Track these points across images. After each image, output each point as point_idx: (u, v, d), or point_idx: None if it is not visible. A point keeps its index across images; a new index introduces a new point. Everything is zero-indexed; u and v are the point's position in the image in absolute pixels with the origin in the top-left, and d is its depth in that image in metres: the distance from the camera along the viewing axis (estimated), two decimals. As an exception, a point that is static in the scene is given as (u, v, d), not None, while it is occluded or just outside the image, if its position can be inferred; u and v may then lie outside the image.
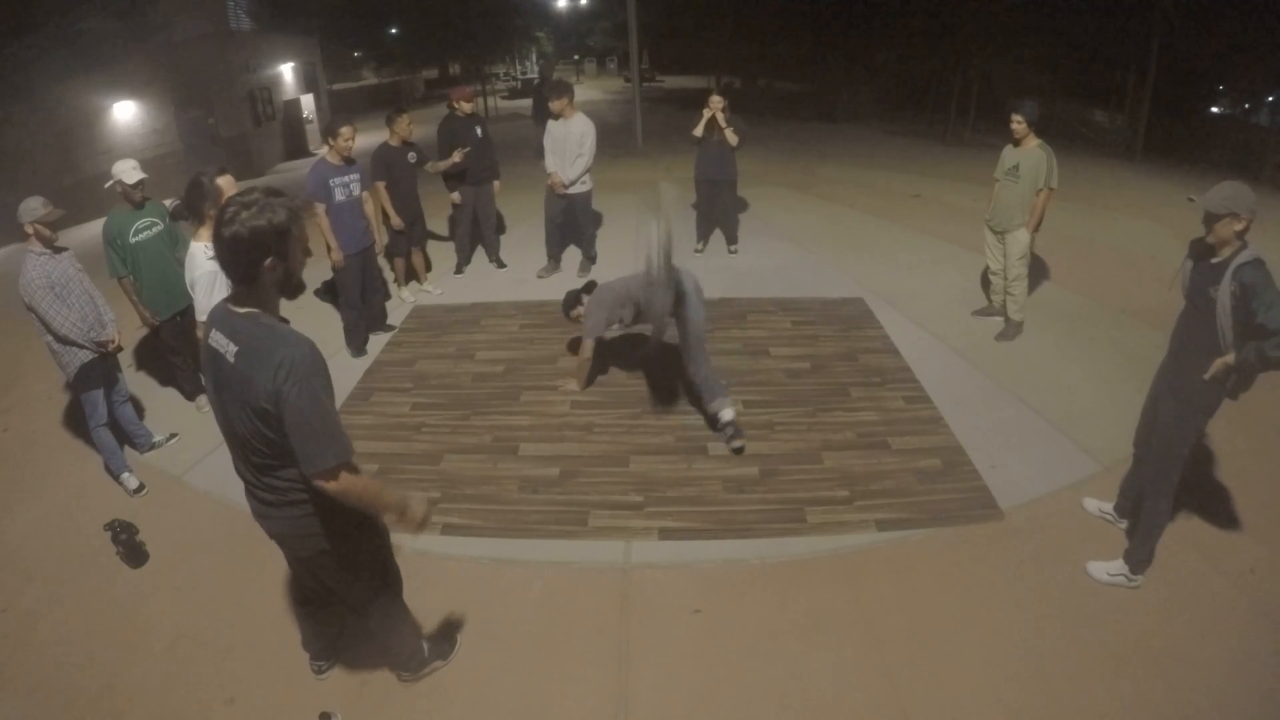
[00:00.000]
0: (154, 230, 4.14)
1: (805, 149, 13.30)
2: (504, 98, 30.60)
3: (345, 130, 4.79)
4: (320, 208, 4.75)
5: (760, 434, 4.03)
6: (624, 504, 3.53)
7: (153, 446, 4.18)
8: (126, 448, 4.04)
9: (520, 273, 6.59)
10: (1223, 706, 2.44)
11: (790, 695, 2.54)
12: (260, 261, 1.79)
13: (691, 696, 2.55)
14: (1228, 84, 17.04)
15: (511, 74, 37.05)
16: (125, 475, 3.85)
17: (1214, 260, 2.66)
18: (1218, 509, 3.37)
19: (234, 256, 1.78)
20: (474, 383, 4.71)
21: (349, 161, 4.88)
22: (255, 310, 1.85)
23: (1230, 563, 3.05)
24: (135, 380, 4.98)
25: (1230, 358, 2.56)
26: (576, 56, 43.50)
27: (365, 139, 5.57)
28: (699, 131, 6.31)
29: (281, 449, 1.89)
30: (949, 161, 12.01)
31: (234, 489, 3.71)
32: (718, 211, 6.80)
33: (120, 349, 3.85)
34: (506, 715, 2.52)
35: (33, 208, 3.52)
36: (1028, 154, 4.71)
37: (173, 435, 4.25)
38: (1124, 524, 3.22)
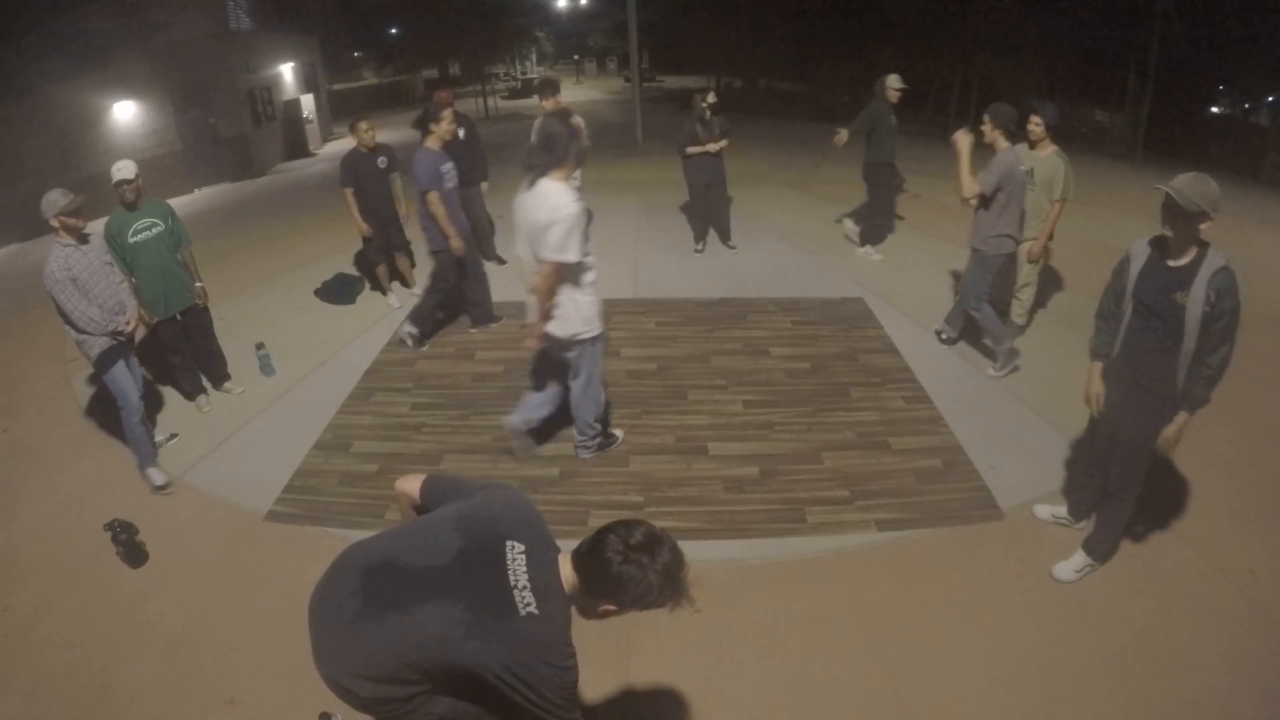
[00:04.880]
0: (154, 231, 4.13)
1: (805, 149, 13.29)
2: (504, 98, 30.59)
3: (448, 113, 4.80)
4: (434, 195, 4.72)
5: (760, 434, 4.03)
6: (624, 504, 3.53)
7: (158, 444, 4.16)
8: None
9: (520, 272, 6.58)
10: (1223, 706, 2.44)
11: (790, 695, 2.54)
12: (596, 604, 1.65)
13: (691, 696, 2.55)
14: (1228, 84, 17.02)
15: (511, 74, 37.00)
16: (151, 470, 3.83)
17: (1173, 263, 2.46)
18: (1218, 509, 3.37)
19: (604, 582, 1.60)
20: (474, 383, 4.71)
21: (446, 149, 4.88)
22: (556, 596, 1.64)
23: (1230, 563, 3.05)
24: (135, 380, 4.99)
25: (1183, 419, 2.56)
26: (576, 56, 43.49)
27: (379, 136, 5.60)
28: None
29: None
30: (949, 161, 11.97)
31: (234, 489, 3.75)
32: (712, 210, 6.83)
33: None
34: (506, 715, 2.52)
35: (53, 200, 3.51)
36: (1044, 160, 4.51)
37: (173, 435, 4.24)
38: (1081, 526, 3.20)
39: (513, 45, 31.69)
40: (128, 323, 3.75)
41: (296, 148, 17.84)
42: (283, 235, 8.84)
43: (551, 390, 3.73)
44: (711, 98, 6.48)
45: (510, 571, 1.60)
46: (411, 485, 1.90)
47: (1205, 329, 2.42)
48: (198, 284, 4.41)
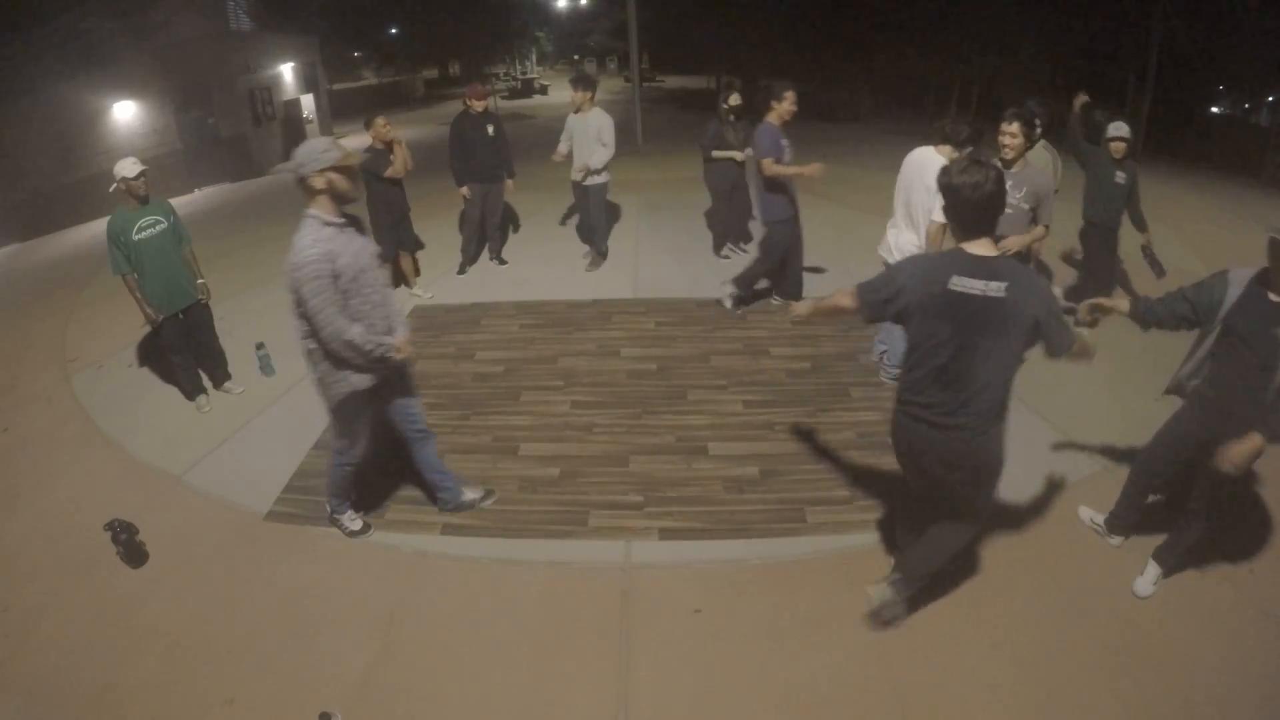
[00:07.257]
0: (158, 228, 4.14)
1: (805, 149, 13.21)
2: (504, 97, 30.60)
3: (789, 94, 5.25)
4: (769, 160, 5.09)
5: (760, 434, 4.03)
6: (624, 504, 3.53)
7: (460, 507, 3.41)
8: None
9: (520, 272, 6.59)
10: (1223, 706, 2.44)
11: (790, 695, 2.54)
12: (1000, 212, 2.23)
13: (691, 696, 2.55)
14: (1228, 84, 17.03)
15: (511, 74, 36.99)
16: (345, 516, 3.34)
17: (1276, 297, 2.39)
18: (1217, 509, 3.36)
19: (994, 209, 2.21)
20: (474, 383, 4.71)
21: None
22: (998, 254, 2.23)
23: (1230, 563, 3.05)
24: (136, 379, 4.99)
25: (1255, 440, 2.34)
26: (576, 56, 43.50)
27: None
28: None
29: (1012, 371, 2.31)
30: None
31: (234, 489, 3.75)
32: (731, 212, 6.82)
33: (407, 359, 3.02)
34: (507, 715, 2.52)
35: (323, 151, 2.47)
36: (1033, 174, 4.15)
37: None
38: (1116, 540, 3.16)
39: (512, 45, 31.71)
40: (398, 348, 2.82)
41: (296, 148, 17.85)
42: (283, 235, 8.74)
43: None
44: (735, 99, 6.42)
45: (969, 290, 2.18)
46: (845, 300, 2.38)
47: None
48: (199, 280, 4.42)
